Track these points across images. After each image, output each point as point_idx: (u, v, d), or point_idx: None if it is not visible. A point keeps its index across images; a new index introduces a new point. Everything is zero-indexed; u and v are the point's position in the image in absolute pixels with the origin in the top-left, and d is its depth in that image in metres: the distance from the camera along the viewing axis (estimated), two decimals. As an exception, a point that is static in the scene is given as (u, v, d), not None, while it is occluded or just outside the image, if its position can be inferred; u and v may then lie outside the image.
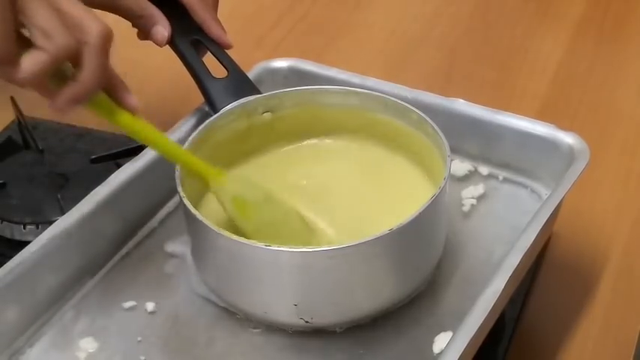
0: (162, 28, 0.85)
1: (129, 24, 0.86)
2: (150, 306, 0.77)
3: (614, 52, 1.18)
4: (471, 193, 0.86)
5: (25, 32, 0.64)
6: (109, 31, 0.66)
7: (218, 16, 0.89)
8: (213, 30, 0.86)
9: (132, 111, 0.71)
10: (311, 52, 1.10)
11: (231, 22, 0.89)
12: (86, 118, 1.04)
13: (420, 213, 0.70)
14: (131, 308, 0.77)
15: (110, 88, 0.70)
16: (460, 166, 0.88)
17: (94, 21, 0.65)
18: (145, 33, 0.86)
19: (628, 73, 1.14)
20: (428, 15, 1.25)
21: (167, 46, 0.87)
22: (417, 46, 1.20)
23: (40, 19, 0.63)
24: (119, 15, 0.85)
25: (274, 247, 0.69)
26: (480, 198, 0.86)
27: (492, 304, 0.67)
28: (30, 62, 0.63)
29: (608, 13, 1.25)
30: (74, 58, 0.65)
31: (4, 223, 0.88)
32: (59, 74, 0.66)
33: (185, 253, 0.80)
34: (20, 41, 0.63)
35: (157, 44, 0.86)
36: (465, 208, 0.85)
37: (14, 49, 0.62)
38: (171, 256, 0.81)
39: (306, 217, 0.79)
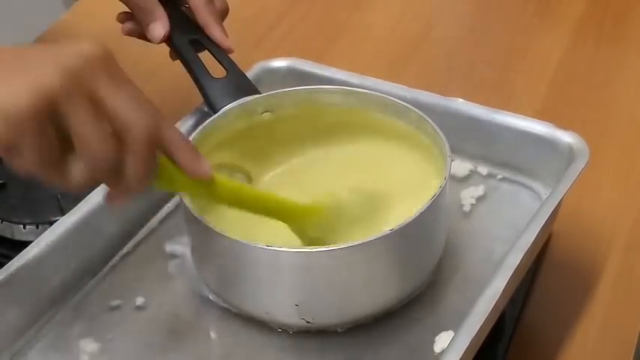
0: (160, 26, 0.84)
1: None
2: (150, 306, 0.77)
3: (614, 52, 1.18)
4: (470, 193, 0.86)
5: None
6: (157, 124, 0.60)
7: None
8: (215, 32, 0.86)
9: (203, 177, 0.66)
10: (311, 53, 1.10)
11: (231, 23, 0.89)
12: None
13: (420, 213, 0.70)
14: (131, 308, 0.77)
15: (171, 155, 0.64)
16: (461, 166, 0.88)
17: (140, 118, 0.59)
18: (142, 27, 0.85)
19: (628, 73, 1.14)
20: (428, 15, 1.25)
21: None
22: (417, 46, 1.20)
23: (78, 125, 0.57)
24: (123, 2, 0.85)
25: (275, 248, 0.68)
26: (480, 198, 0.86)
27: (493, 304, 0.67)
28: (75, 174, 0.59)
29: (608, 12, 1.25)
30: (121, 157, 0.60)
31: (4, 223, 0.88)
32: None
33: (185, 253, 0.80)
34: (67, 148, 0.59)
35: (151, 40, 0.85)
36: (466, 209, 0.85)
37: (58, 162, 0.58)
38: (172, 256, 0.81)
39: None
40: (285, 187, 0.81)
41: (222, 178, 0.68)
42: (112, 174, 0.60)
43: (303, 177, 0.84)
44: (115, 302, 0.78)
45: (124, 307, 0.77)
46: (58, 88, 0.56)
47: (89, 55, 0.58)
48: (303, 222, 0.75)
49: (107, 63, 0.59)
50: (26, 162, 0.57)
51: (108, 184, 0.62)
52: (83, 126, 0.57)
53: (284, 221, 0.74)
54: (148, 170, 0.61)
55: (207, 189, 0.67)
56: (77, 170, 0.59)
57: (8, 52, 0.58)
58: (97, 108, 0.58)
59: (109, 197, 0.64)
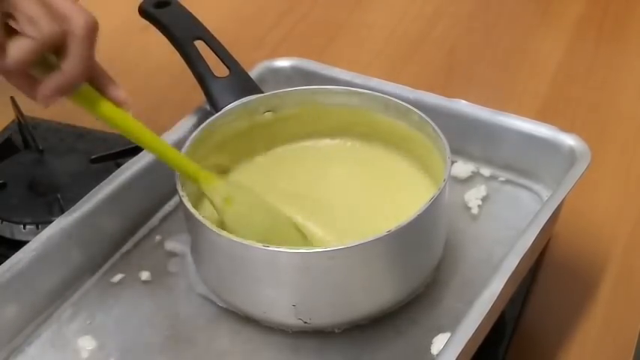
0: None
1: (128, 25, 0.86)
2: (149, 305, 0.77)
3: (614, 52, 1.19)
4: (474, 195, 0.86)
5: (13, 24, 0.65)
6: (95, 22, 0.66)
7: (217, 16, 0.88)
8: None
9: (120, 104, 0.70)
10: (311, 52, 1.10)
11: (231, 22, 0.89)
12: (86, 118, 1.04)
13: (419, 214, 0.70)
14: (130, 307, 0.77)
15: (96, 81, 0.69)
16: (463, 168, 0.88)
17: (80, 12, 0.65)
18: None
19: (628, 73, 1.14)
20: (428, 15, 1.26)
21: (168, 45, 0.87)
22: (417, 46, 1.20)
23: (25, 7, 0.63)
24: None
25: (273, 248, 0.69)
26: (483, 199, 0.86)
27: (490, 306, 0.67)
28: (16, 48, 0.63)
29: (608, 12, 1.25)
30: (59, 47, 0.65)
31: (4, 223, 0.88)
32: (44, 64, 0.66)
33: (185, 252, 0.80)
34: (7, 31, 0.63)
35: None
36: (474, 211, 0.85)
37: (1, 36, 0.63)
38: (172, 254, 0.82)
39: (305, 221, 0.79)
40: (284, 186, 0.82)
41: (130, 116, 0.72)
42: (46, 65, 0.65)
43: (304, 177, 0.84)
44: (113, 300, 0.78)
45: (123, 305, 0.77)
46: None
47: None
48: (202, 183, 0.75)
49: None
50: None
51: (41, 74, 0.66)
52: (30, 4, 0.63)
53: (180, 172, 0.74)
54: (87, 60, 0.66)
55: (116, 117, 0.70)
56: (16, 46, 0.63)
57: None
58: None
59: (39, 93, 0.67)
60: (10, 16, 0.64)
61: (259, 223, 0.76)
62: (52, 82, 0.66)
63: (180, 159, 0.75)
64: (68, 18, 0.65)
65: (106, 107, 0.70)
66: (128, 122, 0.71)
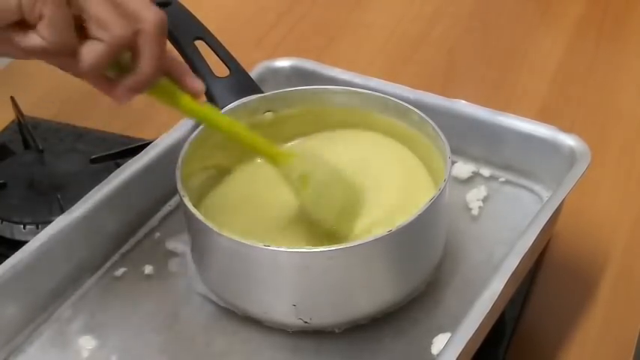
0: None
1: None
2: (149, 304, 0.77)
3: (614, 52, 1.19)
4: (475, 195, 0.86)
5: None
6: (164, 18, 0.65)
7: (217, 16, 0.88)
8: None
9: (194, 94, 0.70)
10: (311, 52, 1.10)
11: (231, 22, 0.89)
12: (86, 118, 1.04)
13: (419, 214, 0.70)
14: (130, 307, 0.77)
15: (171, 72, 0.69)
16: (463, 168, 0.88)
17: (149, 9, 0.65)
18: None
19: (628, 73, 1.14)
20: (428, 15, 1.26)
21: (168, 45, 0.87)
22: (417, 46, 1.20)
23: (94, 9, 0.63)
24: None
25: (273, 248, 0.69)
26: (483, 200, 0.86)
27: (490, 307, 0.67)
28: (89, 53, 0.63)
29: (608, 12, 1.25)
30: (132, 47, 0.65)
31: (4, 223, 0.88)
32: (118, 63, 0.66)
33: (186, 252, 0.80)
34: (79, 33, 0.63)
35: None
36: (475, 212, 0.85)
37: (73, 40, 0.62)
38: (172, 254, 0.82)
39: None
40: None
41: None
42: (120, 64, 0.65)
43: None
44: (113, 300, 0.78)
45: (123, 305, 0.77)
46: None
47: None
48: (280, 163, 0.76)
49: None
50: (43, 35, 0.61)
51: (116, 73, 0.66)
52: (99, 6, 0.62)
53: (259, 154, 0.78)
54: (160, 57, 0.65)
55: (194, 107, 0.71)
56: (89, 50, 0.63)
57: None
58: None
59: (116, 94, 0.67)
60: (80, 19, 0.63)
61: (336, 199, 0.76)
62: (128, 82, 0.66)
63: (260, 142, 0.76)
64: (138, 16, 0.64)
65: (183, 99, 0.70)
66: (205, 111, 0.73)
